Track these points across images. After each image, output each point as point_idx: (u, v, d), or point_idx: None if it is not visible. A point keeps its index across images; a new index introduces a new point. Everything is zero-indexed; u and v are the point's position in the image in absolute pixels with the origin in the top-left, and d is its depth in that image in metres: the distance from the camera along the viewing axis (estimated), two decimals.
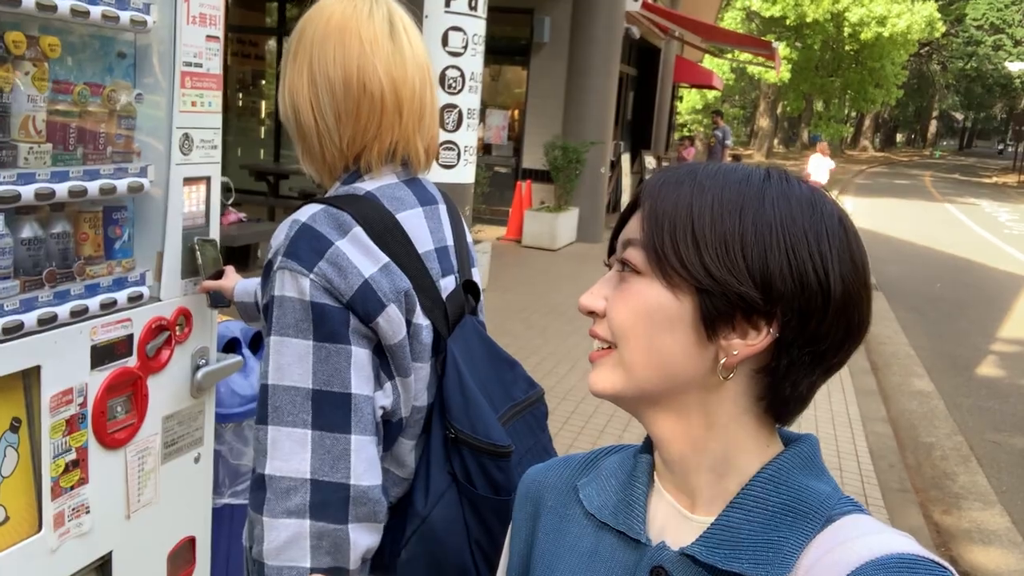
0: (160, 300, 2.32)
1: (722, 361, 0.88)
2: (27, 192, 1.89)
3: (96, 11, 2.01)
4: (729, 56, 24.56)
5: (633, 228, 0.93)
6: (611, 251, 0.98)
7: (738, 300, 0.86)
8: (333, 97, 1.49)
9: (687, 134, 28.54)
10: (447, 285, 1.55)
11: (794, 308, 0.86)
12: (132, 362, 2.24)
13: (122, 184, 2.14)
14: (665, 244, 0.89)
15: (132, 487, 2.32)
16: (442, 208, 1.62)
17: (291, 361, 1.36)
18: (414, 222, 1.51)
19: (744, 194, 0.88)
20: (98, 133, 2.11)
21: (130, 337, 2.23)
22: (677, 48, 20.16)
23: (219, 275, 2.34)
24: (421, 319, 1.46)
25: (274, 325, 1.38)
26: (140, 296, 2.25)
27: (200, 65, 2.33)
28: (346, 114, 1.50)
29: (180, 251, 2.34)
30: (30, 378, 1.98)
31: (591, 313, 0.96)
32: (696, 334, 0.88)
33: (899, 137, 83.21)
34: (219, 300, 2.34)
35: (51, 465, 2.05)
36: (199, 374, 2.47)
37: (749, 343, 0.87)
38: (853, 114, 56.69)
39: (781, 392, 0.90)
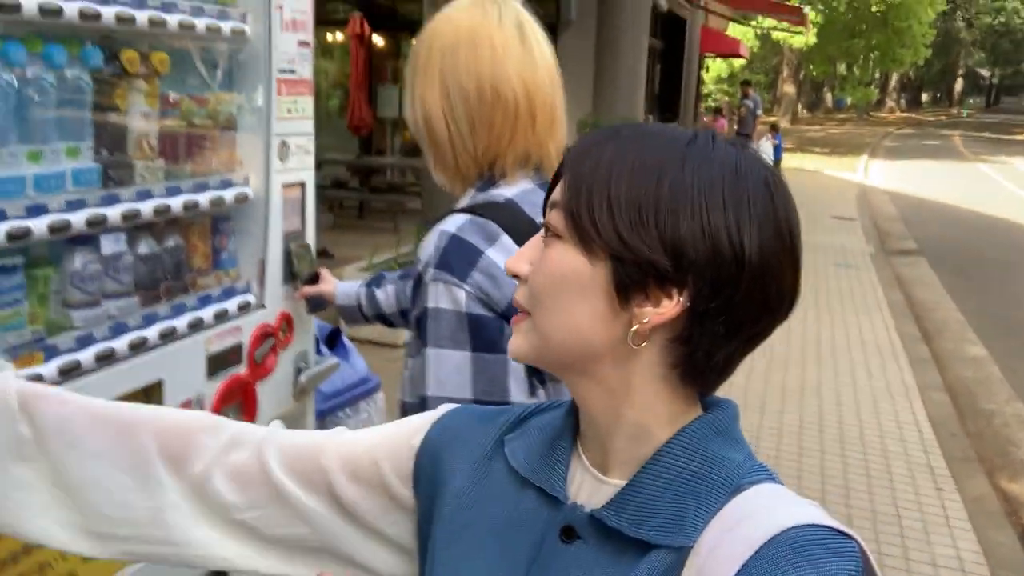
0: (264, 307, 2.34)
1: (633, 329, 0.86)
2: (146, 209, 1.91)
3: (201, 24, 2.02)
4: (754, 23, 24.27)
5: (558, 191, 0.90)
6: (544, 213, 0.94)
7: (649, 268, 0.83)
8: (467, 105, 1.48)
9: (714, 105, 28.29)
10: None
11: (706, 277, 0.83)
12: (242, 369, 2.27)
13: (229, 195, 2.16)
14: (581, 208, 0.86)
15: None
16: None
17: (450, 373, 1.37)
18: (531, 198, 1.51)
19: (664, 158, 0.86)
20: (204, 145, 2.13)
21: (240, 345, 2.25)
22: (702, 18, 19.95)
23: (315, 279, 2.36)
24: None
25: (430, 337, 1.39)
26: (248, 304, 2.27)
27: (293, 71, 2.34)
28: (480, 122, 1.49)
29: (281, 257, 2.36)
30: (151, 393, 2.01)
31: (516, 276, 0.94)
32: (609, 301, 0.86)
33: (924, 97, 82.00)
34: (318, 305, 2.36)
35: None
36: (302, 377, 2.49)
37: (660, 311, 0.85)
38: (877, 75, 55.91)
39: (696, 362, 0.88)
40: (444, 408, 1.11)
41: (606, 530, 0.88)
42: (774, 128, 18.28)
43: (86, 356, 1.80)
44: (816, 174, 21.84)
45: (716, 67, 37.91)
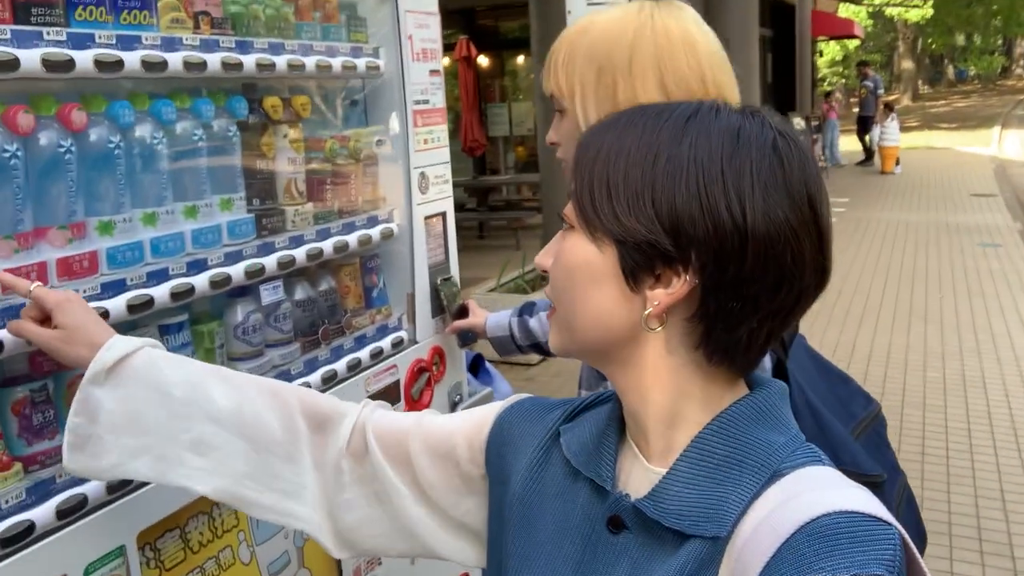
0: (417, 342, 2.29)
1: (646, 312, 0.85)
2: (300, 255, 1.89)
3: (337, 63, 2.00)
4: (866, 1, 23.35)
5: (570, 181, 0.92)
6: None
7: (651, 248, 0.83)
8: None
9: (827, 89, 27.28)
10: None
11: (709, 252, 0.82)
12: (401, 407, 2.23)
13: (376, 232, 2.13)
14: (584, 196, 0.88)
15: None
16: None
17: None
18: None
19: (662, 137, 0.85)
20: (349, 184, 2.10)
21: (397, 383, 2.22)
22: (811, 1, 19.30)
23: (464, 312, 2.31)
24: None
25: None
26: (401, 341, 2.24)
27: (427, 101, 2.30)
28: None
29: (428, 291, 2.32)
30: None
31: (545, 272, 0.95)
32: (621, 286, 0.86)
33: None
34: (468, 338, 2.31)
35: None
36: (458, 409, 2.44)
37: (670, 292, 0.84)
38: (1000, 42, 52.92)
39: (717, 340, 0.86)
40: (514, 398, 1.12)
41: (648, 520, 0.87)
42: (888, 107, 17.48)
43: None
44: (947, 151, 20.82)
45: (830, 50, 36.62)
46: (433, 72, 2.33)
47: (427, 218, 2.31)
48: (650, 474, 0.90)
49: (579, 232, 0.89)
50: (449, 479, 1.10)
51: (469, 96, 11.26)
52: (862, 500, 0.79)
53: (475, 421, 1.11)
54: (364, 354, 2.09)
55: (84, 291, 1.44)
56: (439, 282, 2.37)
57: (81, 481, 1.43)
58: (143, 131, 1.58)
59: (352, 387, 2.06)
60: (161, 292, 1.57)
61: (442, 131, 2.37)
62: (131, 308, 1.51)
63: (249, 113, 1.82)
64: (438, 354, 2.37)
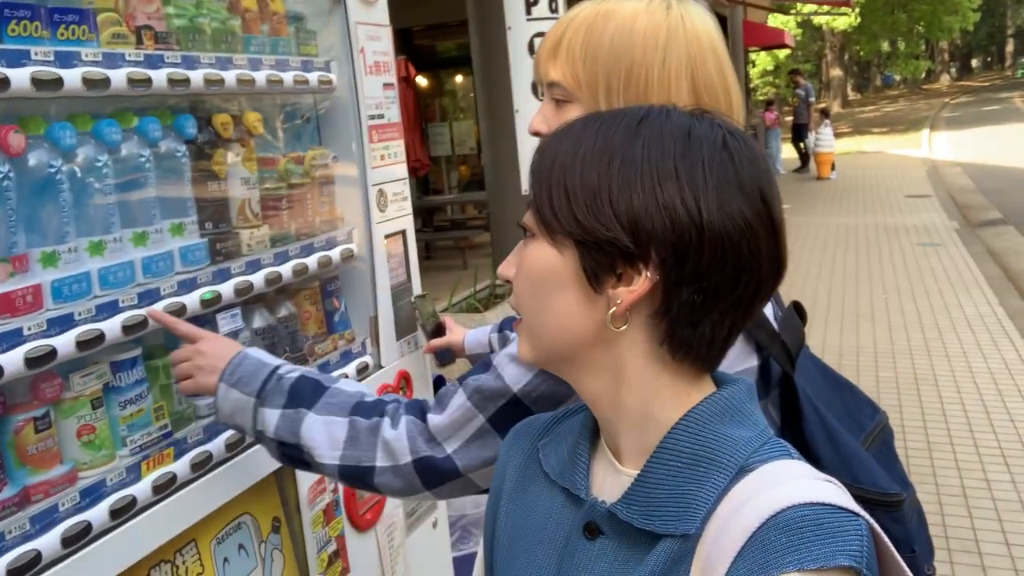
0: (382, 367, 2.20)
1: (611, 311, 0.86)
2: (258, 280, 1.79)
3: (288, 77, 1.91)
4: (793, 11, 23.86)
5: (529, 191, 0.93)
6: None
7: (610, 247, 0.84)
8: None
9: (763, 98, 27.71)
10: (768, 312, 1.35)
11: (668, 247, 0.83)
12: None
13: (335, 254, 2.03)
14: (543, 201, 0.88)
15: (387, 566, 2.20)
16: None
17: None
18: None
19: (616, 140, 0.87)
20: (306, 204, 2.01)
21: None
22: (742, 12, 19.61)
23: (440, 331, 2.21)
24: (748, 361, 1.27)
25: None
26: (366, 366, 2.14)
27: (382, 116, 2.21)
28: None
29: (391, 313, 2.22)
30: (283, 475, 1.87)
31: (509, 282, 0.95)
32: (583, 289, 0.87)
33: (975, 63, 79.71)
34: (446, 358, 2.21)
35: (316, 560, 1.95)
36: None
37: (632, 289, 0.85)
38: (923, 48, 54.50)
39: (680, 335, 0.87)
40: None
41: (624, 523, 0.87)
42: (824, 113, 17.80)
43: (216, 446, 1.67)
44: (879, 155, 21.28)
45: (761, 60, 37.31)
46: (387, 86, 2.25)
47: (387, 236, 2.22)
48: (623, 477, 0.90)
49: (539, 239, 0.90)
50: None
51: (410, 116, 11.14)
52: (828, 492, 0.80)
53: None
54: None
55: (29, 328, 1.33)
56: (413, 299, 2.28)
57: (31, 536, 1.31)
58: (86, 154, 1.47)
59: None
60: (112, 326, 1.46)
61: (398, 146, 2.29)
62: (80, 344, 1.40)
63: (198, 132, 1.71)
64: (404, 378, 2.27)
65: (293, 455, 1.39)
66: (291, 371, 1.43)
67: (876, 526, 0.79)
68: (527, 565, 0.96)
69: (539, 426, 1.06)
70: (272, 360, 1.45)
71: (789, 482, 0.81)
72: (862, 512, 0.79)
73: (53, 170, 1.39)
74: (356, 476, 1.36)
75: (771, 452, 0.86)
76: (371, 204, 2.16)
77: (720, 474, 0.84)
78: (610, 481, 0.93)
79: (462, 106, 13.51)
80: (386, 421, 1.35)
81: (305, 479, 1.90)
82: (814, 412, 1.27)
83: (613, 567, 0.88)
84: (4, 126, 1.31)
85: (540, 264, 0.89)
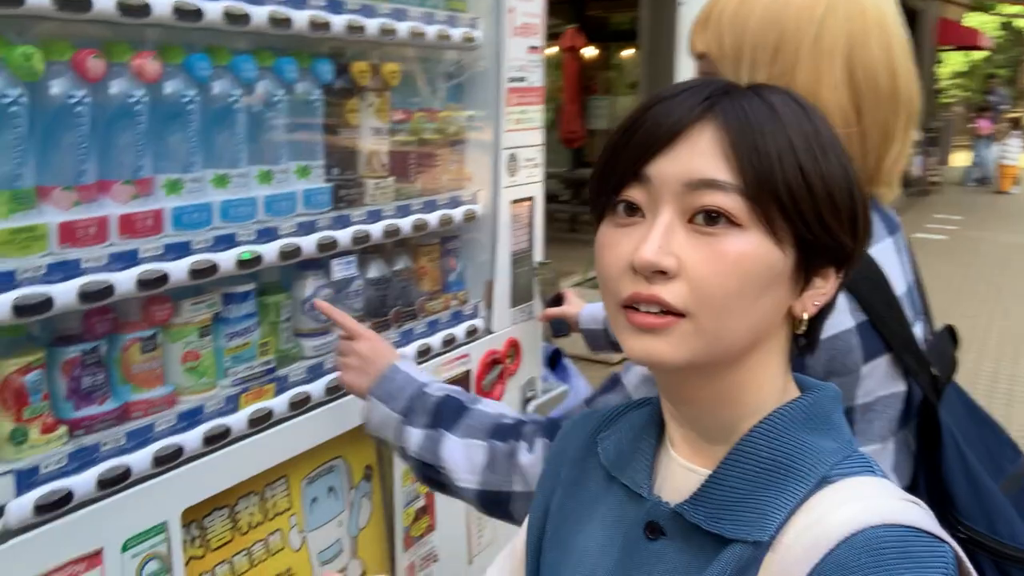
0: (492, 332, 2.18)
1: (804, 316, 0.83)
2: (376, 231, 1.79)
3: (431, 31, 1.89)
4: (995, 11, 22.24)
5: (707, 165, 0.78)
6: (618, 187, 0.82)
7: (837, 250, 0.81)
8: (876, 101, 1.16)
9: (981, 103, 25.72)
10: (919, 334, 1.23)
11: (861, 246, 0.84)
12: None
13: (458, 213, 2.02)
14: (776, 190, 0.77)
15: (473, 529, 2.20)
16: (902, 231, 1.30)
17: None
18: (887, 257, 1.19)
19: (815, 124, 0.81)
20: (434, 161, 2.00)
21: (467, 373, 2.10)
22: (938, 8, 18.44)
23: (558, 301, 2.17)
24: (894, 386, 1.17)
25: None
26: (475, 330, 2.12)
27: (523, 79, 2.17)
28: (876, 124, 1.17)
29: (509, 279, 2.20)
30: None
31: (658, 272, 0.78)
32: (790, 290, 0.81)
33: None
34: (561, 329, 2.16)
35: (403, 514, 1.96)
36: (530, 407, 2.31)
37: (823, 291, 0.83)
38: None
39: (814, 335, 0.87)
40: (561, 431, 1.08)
41: (688, 525, 0.83)
42: (1015, 123, 16.53)
43: (317, 388, 1.70)
44: None
45: (953, 60, 34.96)
46: (532, 49, 2.20)
47: (514, 202, 2.18)
48: (692, 476, 0.85)
49: (748, 231, 0.77)
50: None
51: (572, 87, 11.08)
52: (915, 514, 0.75)
53: None
54: (436, 340, 1.99)
55: (145, 251, 1.37)
56: (536, 265, 2.24)
57: (126, 451, 1.36)
58: (220, 87, 1.49)
59: None
60: (227, 258, 1.49)
61: (537, 112, 2.24)
62: (193, 273, 1.43)
63: (335, 78, 1.72)
64: (513, 346, 2.25)
65: (433, 476, 1.36)
66: (438, 389, 1.39)
67: (963, 556, 0.75)
68: (581, 562, 0.92)
69: (599, 419, 1.01)
70: (420, 376, 1.43)
71: (873, 499, 0.76)
72: (949, 539, 0.74)
73: (185, 100, 1.42)
74: (495, 503, 1.33)
75: (854, 466, 0.81)
76: (501, 167, 2.13)
77: (799, 483, 0.79)
78: (675, 479, 0.88)
79: (627, 81, 13.33)
80: (523, 445, 1.30)
81: None
82: (955, 449, 1.16)
83: (675, 570, 0.84)
84: (143, 53, 1.35)
85: (760, 262, 0.78)
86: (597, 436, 0.98)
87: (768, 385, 0.84)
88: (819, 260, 0.81)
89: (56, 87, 1.24)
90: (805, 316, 0.83)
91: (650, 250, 0.78)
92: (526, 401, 2.34)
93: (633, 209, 0.81)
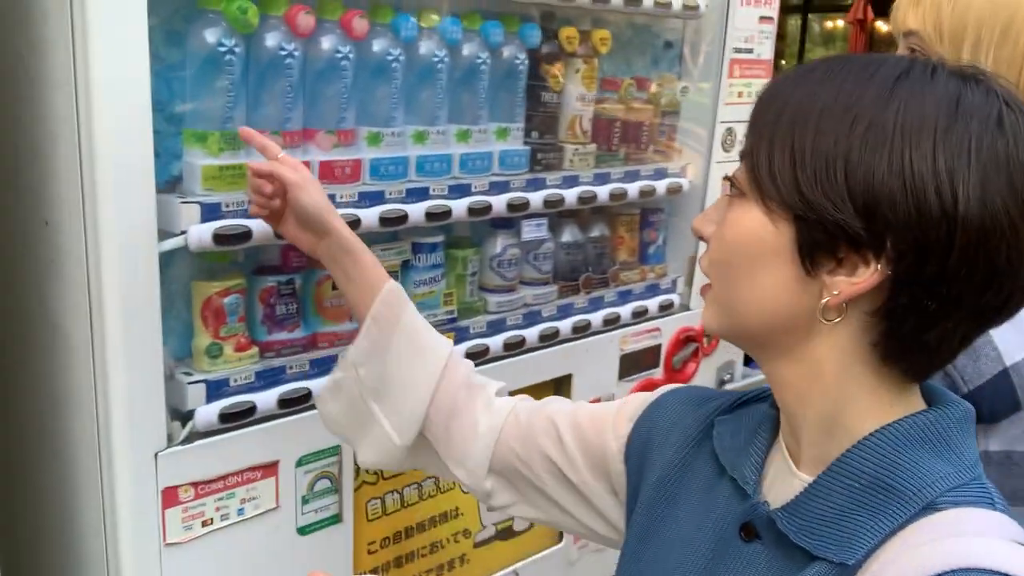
0: (690, 309, 2.14)
1: (823, 301, 0.75)
2: (570, 196, 1.81)
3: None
4: None
5: (746, 141, 0.80)
6: None
7: (836, 229, 0.72)
8: None
9: None
10: None
11: (909, 239, 0.70)
12: (658, 374, 2.10)
13: (661, 186, 2.00)
14: (761, 159, 0.76)
15: None
16: None
17: None
18: None
19: (864, 96, 0.72)
20: (641, 131, 1.98)
21: (658, 347, 2.09)
22: None
23: None
24: None
25: None
26: (670, 304, 2.10)
27: (751, 51, 2.10)
28: None
29: None
30: (560, 386, 1.93)
31: (702, 239, 0.85)
32: (794, 268, 0.76)
33: None
34: None
35: None
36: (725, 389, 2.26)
37: (854, 281, 0.73)
38: None
39: (901, 340, 0.74)
40: (665, 388, 1.07)
41: (780, 532, 0.79)
42: None
43: (495, 342, 1.76)
44: None
45: None
46: (764, 19, 2.12)
47: (726, 178, 2.12)
48: (795, 482, 0.82)
49: (750, 201, 0.78)
50: (594, 470, 1.07)
51: None
52: (1021, 562, 0.67)
53: (623, 415, 1.07)
54: (625, 311, 1.99)
55: (341, 197, 1.48)
56: None
57: (310, 376, 1.49)
58: (425, 47, 1.57)
59: (607, 342, 1.97)
60: (417, 210, 1.57)
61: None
62: (383, 221, 1.53)
63: (542, 42, 1.75)
64: None
65: None
66: None
67: None
68: (672, 547, 0.91)
69: (723, 401, 0.98)
70: None
71: (982, 537, 0.69)
72: None
73: (391, 58, 1.51)
74: None
75: (969, 495, 0.73)
76: (716, 141, 2.09)
77: (899, 507, 0.73)
78: (781, 482, 0.85)
79: None
80: None
81: (581, 395, 1.94)
82: None
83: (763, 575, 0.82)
84: (351, 11, 1.44)
85: (746, 232, 0.78)
86: (715, 418, 0.96)
87: (842, 390, 0.78)
88: (819, 238, 0.74)
89: (269, 40, 1.36)
90: (825, 300, 0.75)
91: (697, 219, 0.86)
92: (721, 384, 2.30)
93: None
